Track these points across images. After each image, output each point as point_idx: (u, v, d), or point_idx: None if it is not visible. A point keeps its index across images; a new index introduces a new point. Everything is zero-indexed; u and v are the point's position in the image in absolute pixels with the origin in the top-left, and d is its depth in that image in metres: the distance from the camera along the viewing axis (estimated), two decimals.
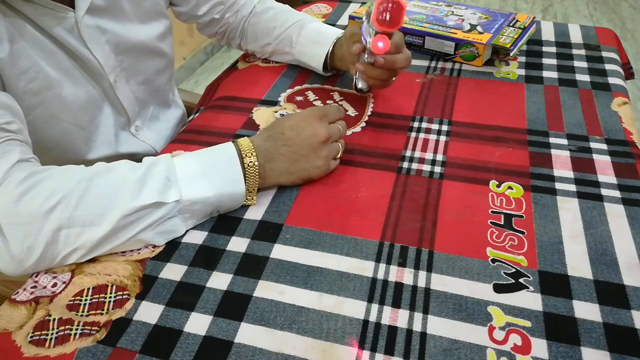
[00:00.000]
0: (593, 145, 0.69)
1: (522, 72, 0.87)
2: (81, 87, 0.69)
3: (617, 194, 0.61)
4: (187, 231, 0.57)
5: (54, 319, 0.48)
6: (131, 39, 0.74)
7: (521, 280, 0.51)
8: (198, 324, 0.48)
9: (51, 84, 0.65)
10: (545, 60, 0.90)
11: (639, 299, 0.49)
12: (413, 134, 0.72)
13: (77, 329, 0.47)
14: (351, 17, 1.02)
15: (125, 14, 0.73)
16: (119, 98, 0.75)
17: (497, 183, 0.63)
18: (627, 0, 3.14)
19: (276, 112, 0.78)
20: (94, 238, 0.51)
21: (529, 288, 0.50)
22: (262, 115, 0.77)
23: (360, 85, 0.77)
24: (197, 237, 0.57)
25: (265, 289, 0.51)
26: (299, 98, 0.81)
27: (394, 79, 0.75)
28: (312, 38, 0.83)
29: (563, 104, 0.78)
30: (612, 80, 0.83)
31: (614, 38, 0.98)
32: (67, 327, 0.48)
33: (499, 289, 0.50)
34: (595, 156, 0.67)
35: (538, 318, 0.47)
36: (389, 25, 0.62)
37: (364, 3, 1.09)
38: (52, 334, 0.47)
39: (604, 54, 0.91)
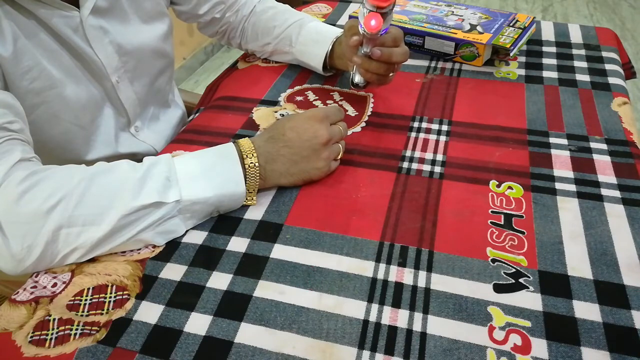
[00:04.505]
0: (593, 145, 0.69)
1: (522, 72, 0.87)
2: (83, 87, 0.69)
3: (617, 194, 0.61)
4: (187, 231, 0.57)
5: (54, 319, 0.48)
6: (134, 40, 0.74)
7: (521, 280, 0.51)
8: (198, 324, 0.48)
9: (54, 84, 0.65)
10: (545, 60, 0.90)
11: (639, 299, 0.49)
12: (413, 134, 0.72)
13: (77, 329, 0.47)
14: (351, 17, 1.02)
15: (127, 15, 0.73)
16: (120, 99, 0.75)
17: (497, 183, 0.63)
18: (627, 0, 3.14)
19: (276, 112, 0.78)
20: (94, 237, 0.51)
21: (529, 288, 0.50)
22: (262, 115, 0.77)
23: (357, 79, 0.75)
24: (197, 237, 0.57)
25: (265, 289, 0.51)
26: (299, 98, 0.81)
27: (391, 75, 0.74)
28: (312, 37, 0.83)
29: (563, 104, 0.78)
30: (612, 80, 0.84)
31: (614, 38, 0.98)
32: (67, 327, 0.48)
33: (499, 289, 0.50)
34: (595, 156, 0.67)
35: (538, 318, 0.47)
36: None
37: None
38: (52, 334, 0.47)
39: (604, 54, 0.91)
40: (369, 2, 0.62)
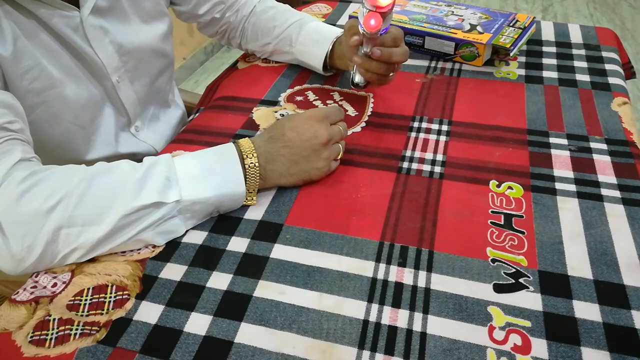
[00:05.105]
0: (593, 145, 0.69)
1: (522, 72, 0.87)
2: (83, 87, 0.69)
3: (617, 194, 0.61)
4: (187, 231, 0.57)
5: (54, 319, 0.48)
6: (134, 40, 0.74)
7: (521, 280, 0.51)
8: (198, 324, 0.48)
9: (53, 84, 0.65)
10: (545, 60, 0.90)
11: (639, 299, 0.49)
12: (413, 134, 0.72)
13: (77, 329, 0.47)
14: (351, 17, 1.02)
15: (127, 15, 0.73)
16: (121, 98, 0.75)
17: (497, 183, 0.63)
18: (627, 0, 3.14)
19: (276, 112, 0.78)
20: (94, 237, 0.51)
21: (529, 288, 0.50)
22: (262, 115, 0.77)
23: (357, 79, 0.75)
24: (197, 237, 0.57)
25: (265, 289, 0.51)
26: (299, 98, 0.81)
27: (391, 75, 0.74)
28: (312, 37, 0.83)
29: (563, 104, 0.78)
30: (612, 80, 0.84)
31: (614, 38, 0.98)
32: (67, 327, 0.48)
33: (499, 289, 0.50)
34: (595, 156, 0.67)
35: (538, 318, 0.47)
36: None
37: None
38: (52, 334, 0.47)
39: (604, 54, 0.92)
40: (368, 2, 0.62)
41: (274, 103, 0.80)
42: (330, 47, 0.81)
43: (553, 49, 0.94)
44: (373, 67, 0.71)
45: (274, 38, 0.87)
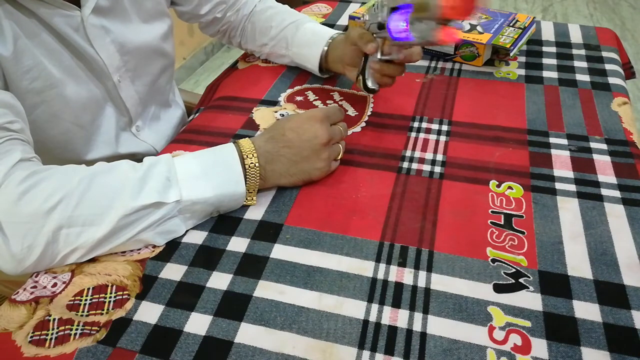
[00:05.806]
0: (593, 145, 0.69)
1: (522, 72, 0.87)
2: (84, 86, 0.69)
3: (617, 194, 0.61)
4: (187, 231, 0.57)
5: (54, 319, 0.48)
6: (135, 39, 0.74)
7: (521, 280, 0.51)
8: (198, 324, 0.48)
9: (54, 83, 0.65)
10: (545, 60, 0.90)
11: (639, 299, 0.49)
12: (413, 134, 0.72)
13: (77, 329, 0.47)
14: (351, 17, 1.02)
15: (129, 15, 0.73)
16: (122, 98, 0.75)
17: (497, 183, 0.63)
18: (627, 0, 3.14)
19: (276, 112, 0.78)
20: (94, 238, 0.51)
21: (529, 288, 0.50)
22: (262, 115, 0.77)
23: (370, 84, 0.75)
24: (197, 237, 0.57)
25: (265, 289, 0.51)
26: (299, 98, 0.81)
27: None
28: (307, 39, 0.83)
29: (563, 104, 0.78)
30: (612, 80, 0.84)
31: (614, 38, 0.98)
32: (67, 327, 0.48)
33: (499, 289, 0.50)
34: (595, 156, 0.67)
35: (538, 318, 0.47)
36: (462, 8, 0.51)
37: (363, 3, 1.09)
38: (52, 334, 0.47)
39: (604, 54, 0.92)
40: (443, 14, 0.51)
41: (274, 103, 0.80)
42: (326, 48, 0.80)
43: (553, 49, 0.94)
44: (390, 71, 0.71)
45: (271, 39, 0.87)
